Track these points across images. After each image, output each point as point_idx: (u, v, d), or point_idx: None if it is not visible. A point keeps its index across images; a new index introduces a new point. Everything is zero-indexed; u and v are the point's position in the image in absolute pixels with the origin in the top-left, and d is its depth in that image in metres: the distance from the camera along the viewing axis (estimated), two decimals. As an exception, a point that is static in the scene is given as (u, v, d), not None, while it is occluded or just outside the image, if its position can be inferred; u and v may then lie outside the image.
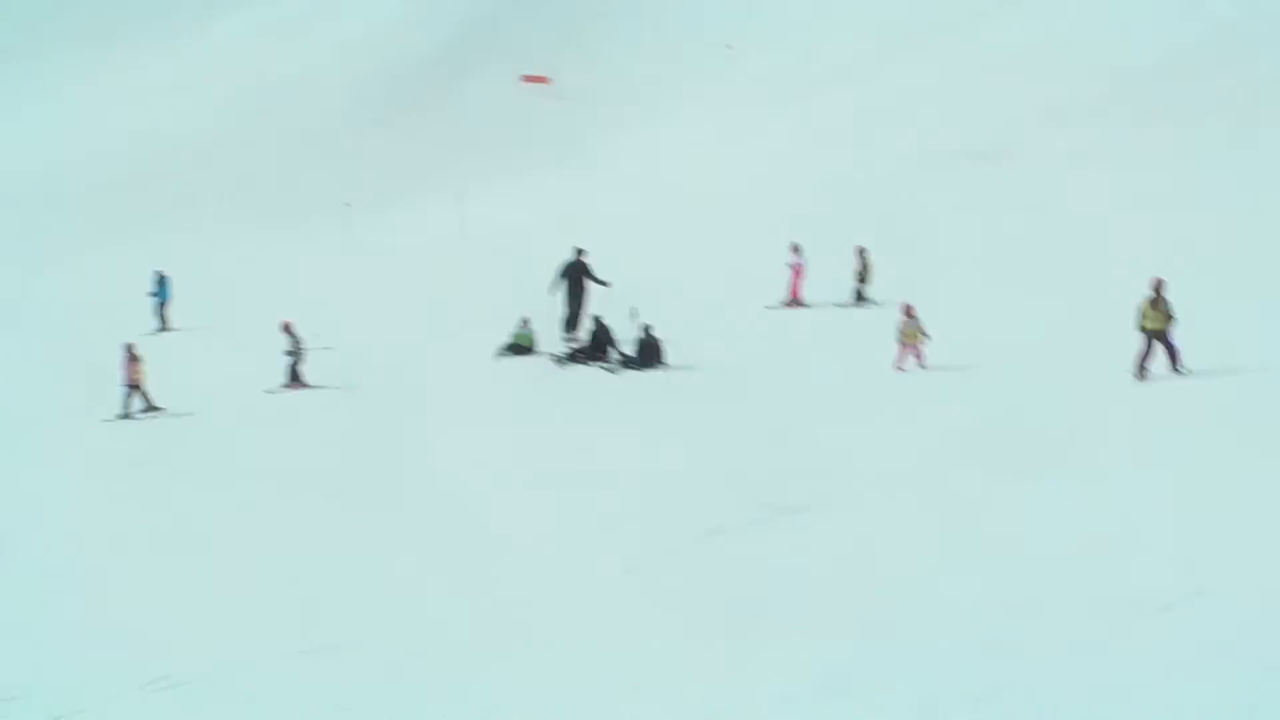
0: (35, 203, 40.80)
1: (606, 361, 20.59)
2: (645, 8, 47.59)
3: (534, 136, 41.66)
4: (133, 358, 19.83)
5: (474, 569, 10.06)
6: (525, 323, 22.38)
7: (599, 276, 22.51)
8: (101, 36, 53.37)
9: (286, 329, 20.96)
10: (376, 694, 7.56)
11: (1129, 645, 6.17)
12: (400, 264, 32.37)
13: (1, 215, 39.70)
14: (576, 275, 22.63)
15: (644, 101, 42.08)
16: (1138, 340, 15.85)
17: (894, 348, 18.34)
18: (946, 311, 19.01)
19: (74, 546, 13.07)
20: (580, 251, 22.89)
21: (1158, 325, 15.85)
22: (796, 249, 24.51)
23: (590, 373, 20.37)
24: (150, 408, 19.84)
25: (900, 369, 18.24)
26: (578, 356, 21.08)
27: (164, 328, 26.60)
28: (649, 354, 20.12)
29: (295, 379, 20.71)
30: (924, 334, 18.21)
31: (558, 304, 22.53)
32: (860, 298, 23.90)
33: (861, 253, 23.92)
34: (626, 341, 20.62)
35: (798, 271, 24.42)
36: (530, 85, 42.94)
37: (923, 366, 18.18)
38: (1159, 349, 15.90)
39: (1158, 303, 15.85)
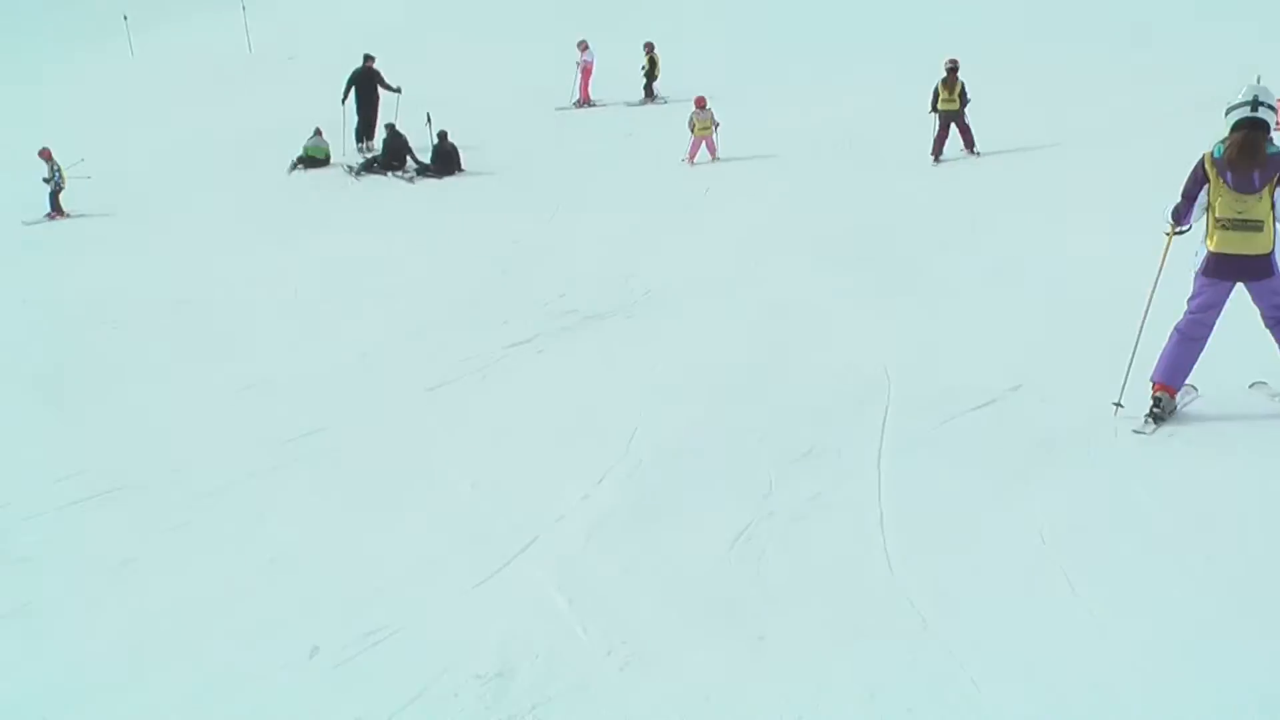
0: None
1: (403, 170, 20.10)
2: None
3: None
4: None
5: (263, 397, 9.61)
6: (319, 133, 21.58)
7: (390, 83, 21.81)
8: None
9: (45, 156, 19.74)
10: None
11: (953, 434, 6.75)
12: (184, 80, 30.45)
13: None
14: (367, 82, 21.86)
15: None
16: (933, 122, 16.06)
17: (687, 141, 18.46)
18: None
19: None
20: (369, 58, 22.03)
21: (951, 107, 16.04)
22: (584, 47, 24.07)
23: (386, 181, 19.84)
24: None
25: (691, 161, 18.36)
26: (373, 166, 20.50)
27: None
28: (445, 161, 19.71)
29: (55, 208, 19.64)
30: (715, 123, 18.34)
31: (348, 113, 21.79)
32: (650, 94, 23.82)
33: (649, 48, 23.74)
34: (422, 149, 20.12)
35: (587, 71, 24.07)
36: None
37: (716, 158, 18.37)
38: (955, 130, 16.02)
39: (951, 84, 16.03)
